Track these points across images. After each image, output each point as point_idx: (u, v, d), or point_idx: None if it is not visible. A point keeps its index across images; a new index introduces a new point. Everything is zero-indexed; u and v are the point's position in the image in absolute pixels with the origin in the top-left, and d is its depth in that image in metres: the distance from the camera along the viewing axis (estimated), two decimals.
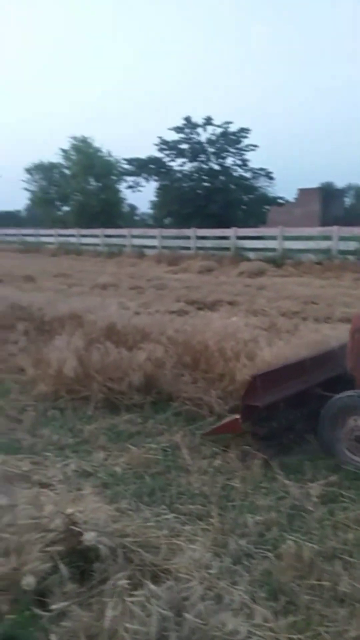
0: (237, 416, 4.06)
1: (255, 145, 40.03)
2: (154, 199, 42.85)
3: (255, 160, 48.62)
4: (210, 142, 40.15)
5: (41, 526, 2.52)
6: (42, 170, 46.37)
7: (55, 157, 45.51)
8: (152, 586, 2.38)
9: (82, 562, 2.50)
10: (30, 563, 2.35)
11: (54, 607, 2.23)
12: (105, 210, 40.98)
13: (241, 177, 40.85)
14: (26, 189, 47.40)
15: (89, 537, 2.33)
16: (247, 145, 40.08)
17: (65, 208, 46.28)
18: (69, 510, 2.51)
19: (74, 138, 42.93)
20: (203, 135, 40.12)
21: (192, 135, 40.26)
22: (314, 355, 4.65)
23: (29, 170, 46.45)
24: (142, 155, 41.23)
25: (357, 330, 4.19)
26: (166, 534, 2.91)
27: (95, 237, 28.67)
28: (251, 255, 22.23)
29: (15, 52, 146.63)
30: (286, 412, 4.20)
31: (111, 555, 2.50)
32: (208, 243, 24.94)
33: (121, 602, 2.28)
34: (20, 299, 9.09)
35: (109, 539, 2.55)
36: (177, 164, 41.20)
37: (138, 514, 3.27)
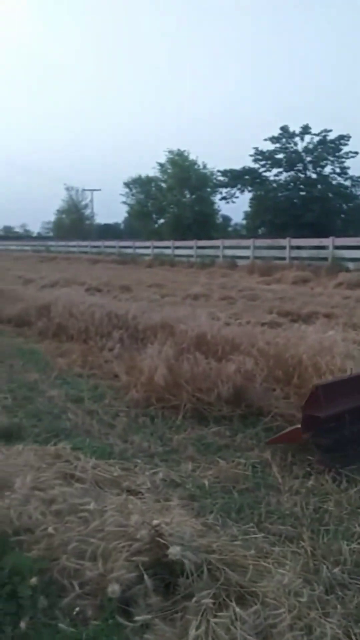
0: (298, 426, 3.99)
1: (356, 152, 38.53)
2: (248, 209, 42.72)
3: (355, 167, 46.69)
4: (307, 150, 39.33)
5: (128, 534, 2.53)
6: (139, 184, 48.18)
7: (153, 171, 47.13)
8: (237, 609, 2.29)
9: (166, 574, 2.47)
10: (116, 571, 2.36)
11: (137, 618, 2.22)
12: (199, 222, 41.58)
13: (340, 186, 39.51)
14: (124, 203, 49.54)
15: (174, 551, 2.30)
16: (346, 153, 38.71)
17: (161, 220, 47.58)
18: (155, 521, 2.50)
19: (171, 152, 44.24)
20: (300, 144, 39.40)
21: (289, 145, 39.69)
22: None
23: (127, 185, 48.55)
24: (237, 166, 41.36)
25: None
26: (253, 554, 2.80)
27: (188, 248, 29.12)
28: (350, 265, 21.28)
29: (118, 71, 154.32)
30: (353, 425, 4.06)
31: (196, 571, 2.45)
32: (304, 253, 24.29)
33: (205, 622, 2.21)
34: (117, 308, 9.41)
35: (194, 554, 2.50)
36: (272, 174, 40.88)
37: (225, 530, 3.19)
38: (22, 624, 2.15)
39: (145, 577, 2.36)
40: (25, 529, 2.71)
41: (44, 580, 2.41)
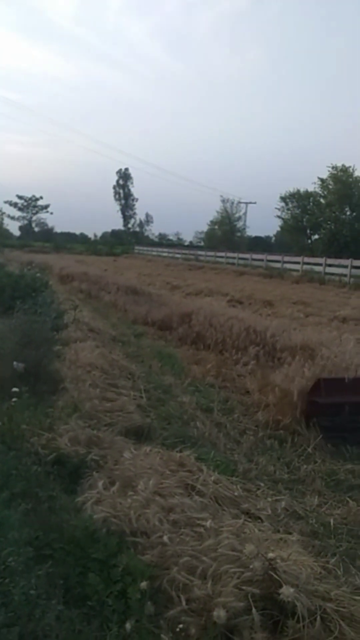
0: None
1: None
2: None
3: None
4: None
5: (240, 561, 2.45)
6: (296, 199, 47.37)
7: (312, 186, 45.99)
8: None
9: (276, 612, 2.34)
10: (225, 596, 2.30)
11: None
12: (358, 241, 39.48)
13: None
14: (278, 217, 49.06)
15: (287, 593, 2.16)
16: None
17: (315, 236, 46.24)
18: (271, 555, 2.38)
19: (334, 167, 42.71)
20: None
21: None
22: None
23: (283, 199, 47.99)
24: None
25: None
26: None
27: (343, 267, 27.76)
28: None
29: (283, 82, 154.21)
30: (353, 416, 4.95)
31: (309, 617, 2.28)
32: None
33: None
34: (256, 323, 9.33)
35: (308, 598, 2.33)
36: None
37: (347, 578, 2.94)
38: (128, 626, 2.20)
39: (254, 610, 2.26)
40: (142, 532, 2.78)
41: (153, 586, 2.44)
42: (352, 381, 5.46)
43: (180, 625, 2.21)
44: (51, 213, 76.00)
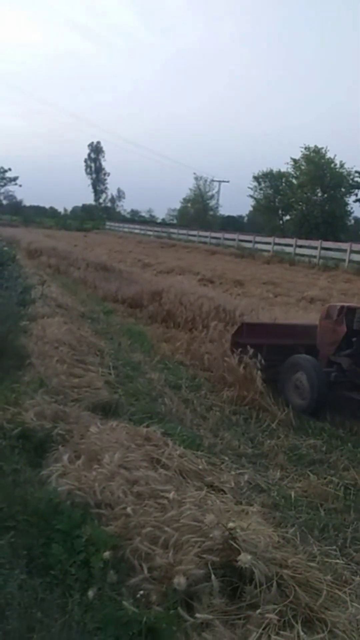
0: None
1: None
2: None
3: None
4: None
5: (202, 531, 2.52)
6: (269, 179, 47.30)
7: (285, 167, 46.01)
8: (302, 632, 2.18)
9: (234, 579, 2.42)
10: (185, 564, 2.37)
11: (199, 615, 2.21)
12: (328, 222, 39.88)
13: None
14: (251, 196, 48.96)
15: (245, 560, 2.24)
16: None
17: (287, 217, 46.47)
18: (231, 525, 2.46)
19: (307, 148, 42.72)
20: None
21: None
22: (297, 324, 6.40)
23: (257, 178, 47.86)
24: None
25: (322, 318, 5.71)
26: (330, 580, 2.64)
27: (312, 248, 28.06)
28: None
29: (258, 63, 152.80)
30: (269, 355, 5.70)
31: (266, 583, 2.37)
32: None
33: (266, 637, 2.14)
34: (226, 302, 9.41)
35: (266, 565, 2.42)
36: None
37: (304, 547, 3.06)
38: (90, 593, 2.25)
39: (213, 576, 2.34)
40: (106, 504, 2.82)
41: (116, 556, 2.49)
42: (269, 326, 6.58)
43: (141, 592, 2.27)
44: (20, 185, 73.50)
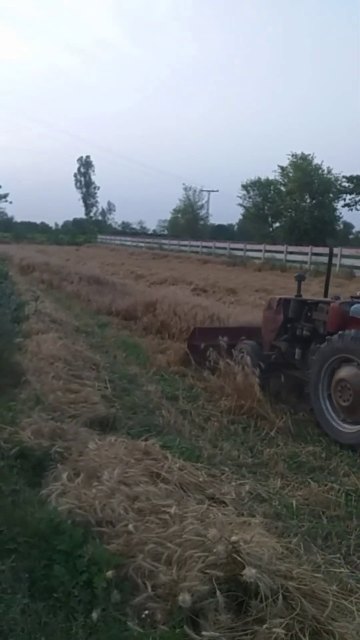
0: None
1: None
2: None
3: None
4: None
5: (205, 546, 2.50)
6: (258, 187, 47.64)
7: (273, 174, 46.36)
8: None
9: (240, 593, 2.40)
10: (190, 580, 2.34)
11: (205, 633, 2.18)
12: (317, 228, 40.14)
13: None
14: (240, 205, 49.25)
15: (250, 574, 2.22)
16: None
17: (277, 224, 46.75)
18: (234, 538, 2.43)
19: (294, 155, 43.12)
20: None
21: None
22: (243, 326, 7.46)
23: (245, 187, 48.20)
24: None
25: (265, 309, 6.71)
26: (336, 590, 2.62)
27: (303, 254, 28.22)
28: None
29: (242, 71, 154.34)
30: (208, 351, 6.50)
31: (271, 596, 2.35)
32: None
33: None
34: (220, 310, 9.41)
35: (271, 578, 2.40)
36: None
37: (308, 557, 3.03)
38: (94, 615, 2.21)
39: (218, 592, 2.31)
40: (107, 522, 2.79)
41: (119, 575, 2.46)
42: (218, 329, 7.47)
43: (146, 612, 2.24)
44: (10, 202, 73.83)
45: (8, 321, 5.83)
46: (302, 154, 42.74)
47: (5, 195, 71.95)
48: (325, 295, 6.47)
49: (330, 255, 7.31)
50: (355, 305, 5.19)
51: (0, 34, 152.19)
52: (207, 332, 7.32)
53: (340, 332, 4.99)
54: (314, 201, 42.20)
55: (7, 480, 3.20)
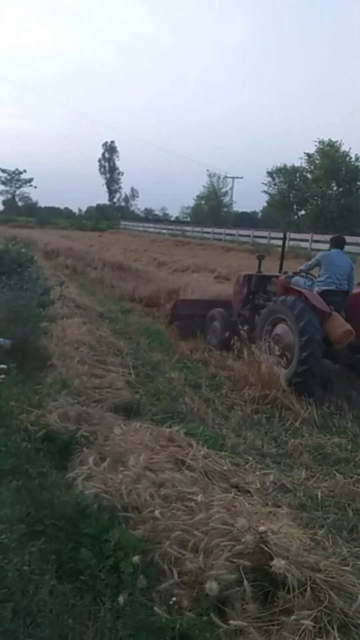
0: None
1: None
2: None
3: None
4: None
5: (232, 535, 2.48)
6: (283, 174, 46.85)
7: (299, 162, 45.54)
8: (338, 639, 2.13)
9: (267, 583, 2.38)
10: (217, 569, 2.33)
11: (232, 622, 2.17)
12: (344, 216, 39.37)
13: None
14: (265, 192, 48.57)
15: (279, 565, 2.19)
16: None
17: (302, 212, 46.05)
18: (262, 528, 2.41)
19: (321, 142, 42.21)
20: None
21: None
22: (218, 300, 8.39)
23: (270, 174, 47.43)
24: None
25: (234, 284, 7.96)
26: None
27: (329, 243, 27.81)
28: None
29: (270, 58, 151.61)
30: (195, 321, 7.96)
31: (299, 587, 2.32)
32: None
33: None
34: None
35: (299, 570, 2.37)
36: None
37: (334, 549, 3.00)
38: (121, 599, 2.22)
39: (245, 582, 2.30)
40: (133, 507, 2.79)
41: (145, 560, 2.46)
42: (197, 301, 8.64)
43: (173, 598, 2.23)
44: (35, 187, 74.46)
45: (35, 305, 5.87)
46: (330, 140, 41.80)
47: (29, 180, 72.66)
48: (280, 271, 7.50)
49: (284, 238, 9.27)
50: (295, 278, 6.41)
51: (28, 20, 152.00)
52: (188, 303, 8.62)
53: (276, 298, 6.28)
54: (340, 189, 41.34)
55: (34, 462, 3.22)
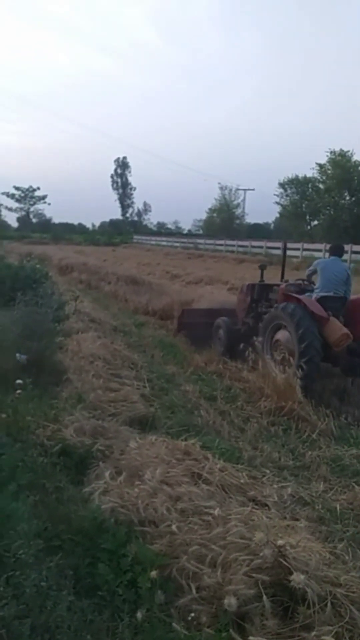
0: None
1: None
2: None
3: None
4: None
5: (250, 549, 2.45)
6: (295, 185, 46.93)
7: (311, 172, 45.60)
8: None
9: (286, 598, 2.34)
10: (235, 584, 2.30)
11: (252, 638, 2.14)
12: (357, 225, 39.21)
13: None
14: (277, 203, 48.66)
15: (298, 580, 2.16)
16: None
17: (314, 222, 45.97)
18: (280, 542, 2.38)
19: (332, 152, 42.26)
20: None
21: None
22: (222, 308, 8.63)
23: (282, 185, 47.56)
24: None
25: (238, 293, 8.37)
26: None
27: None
28: None
29: (280, 71, 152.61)
30: (202, 329, 8.31)
31: (319, 602, 2.28)
32: None
33: None
34: None
35: (319, 584, 2.33)
36: None
37: (355, 563, 2.94)
38: (139, 615, 2.20)
39: (264, 597, 2.27)
40: (150, 522, 2.78)
41: (163, 575, 2.44)
42: (202, 310, 9.08)
43: (192, 614, 2.21)
44: (49, 204, 75.69)
45: (50, 320, 5.92)
46: (341, 150, 41.85)
47: (44, 197, 73.81)
48: (281, 279, 7.86)
49: (284, 248, 9.49)
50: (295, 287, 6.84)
51: (38, 37, 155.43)
52: (194, 312, 9.11)
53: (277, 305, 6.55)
54: (353, 198, 41.25)
55: (50, 477, 3.23)
